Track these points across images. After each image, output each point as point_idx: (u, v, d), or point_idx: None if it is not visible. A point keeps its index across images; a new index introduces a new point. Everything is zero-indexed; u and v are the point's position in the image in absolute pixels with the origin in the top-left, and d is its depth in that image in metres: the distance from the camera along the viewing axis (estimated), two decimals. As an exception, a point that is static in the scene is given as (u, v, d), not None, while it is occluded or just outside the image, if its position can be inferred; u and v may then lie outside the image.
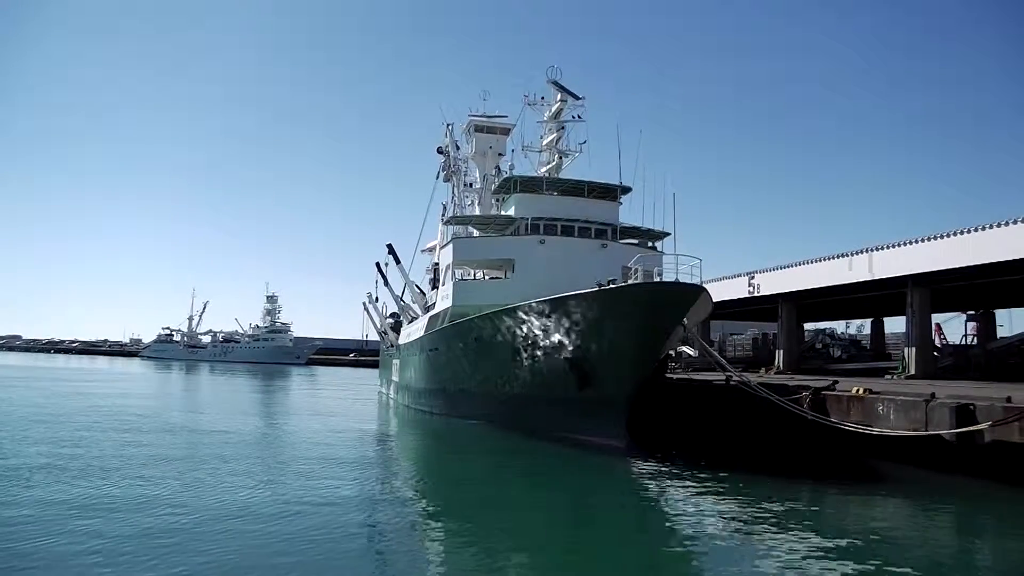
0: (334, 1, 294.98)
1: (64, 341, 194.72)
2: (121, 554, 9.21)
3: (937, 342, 42.91)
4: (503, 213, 31.10)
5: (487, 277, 32.60)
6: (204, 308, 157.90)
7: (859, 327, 62.80)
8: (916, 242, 27.86)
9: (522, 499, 14.95)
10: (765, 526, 12.15)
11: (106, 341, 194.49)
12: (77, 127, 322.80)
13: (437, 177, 47.90)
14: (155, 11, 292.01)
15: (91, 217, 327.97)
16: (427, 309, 36.97)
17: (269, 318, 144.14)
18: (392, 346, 48.76)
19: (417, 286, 45.43)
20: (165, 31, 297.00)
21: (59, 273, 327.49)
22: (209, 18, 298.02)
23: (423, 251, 52.71)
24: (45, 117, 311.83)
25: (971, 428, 14.74)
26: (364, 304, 55.59)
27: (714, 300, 22.28)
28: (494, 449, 22.11)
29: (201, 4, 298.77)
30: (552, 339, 21.58)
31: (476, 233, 33.00)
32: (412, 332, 39.16)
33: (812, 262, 33.92)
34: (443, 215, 45.45)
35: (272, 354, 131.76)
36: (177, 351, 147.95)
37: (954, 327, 48.00)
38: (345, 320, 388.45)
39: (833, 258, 32.40)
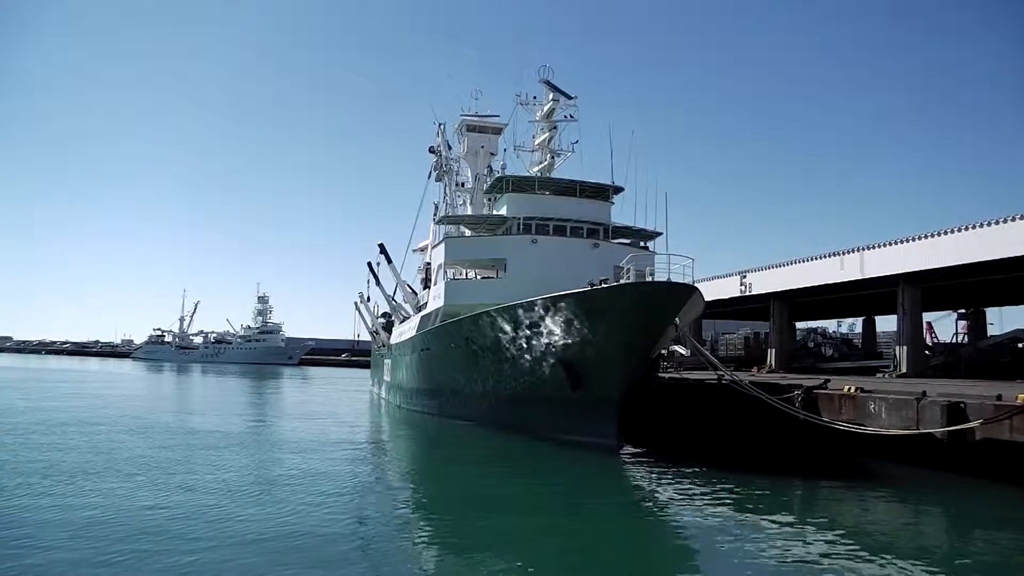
0: (326, 1, 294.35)
1: (55, 342, 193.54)
2: (110, 560, 9.09)
3: (928, 340, 43.22)
4: (495, 213, 31.00)
5: (479, 277, 32.49)
6: (195, 309, 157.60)
7: (850, 326, 63.32)
8: (907, 241, 27.96)
9: (514, 499, 14.85)
10: (757, 524, 12.11)
11: (97, 342, 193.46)
12: (68, 129, 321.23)
13: (429, 177, 47.87)
14: (146, 13, 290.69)
15: (82, 218, 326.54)
16: (419, 309, 36.82)
17: (260, 318, 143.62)
18: (384, 346, 48.57)
19: (409, 286, 45.27)
20: (156, 33, 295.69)
21: (50, 274, 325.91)
22: (199, 19, 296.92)
23: (415, 251, 52.60)
24: (38, 120, 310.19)
25: (962, 426, 14.78)
26: (356, 304, 55.26)
27: (706, 299, 22.25)
28: (486, 449, 22.02)
29: (191, 5, 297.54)
30: (544, 339, 21.50)
31: (468, 233, 32.90)
32: (404, 332, 39.01)
33: (804, 261, 34.01)
34: (435, 215, 45.32)
35: (264, 355, 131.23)
36: (169, 352, 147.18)
37: (945, 325, 48.39)
38: (337, 320, 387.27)
39: (825, 257, 32.50)
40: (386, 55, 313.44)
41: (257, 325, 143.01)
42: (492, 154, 40.63)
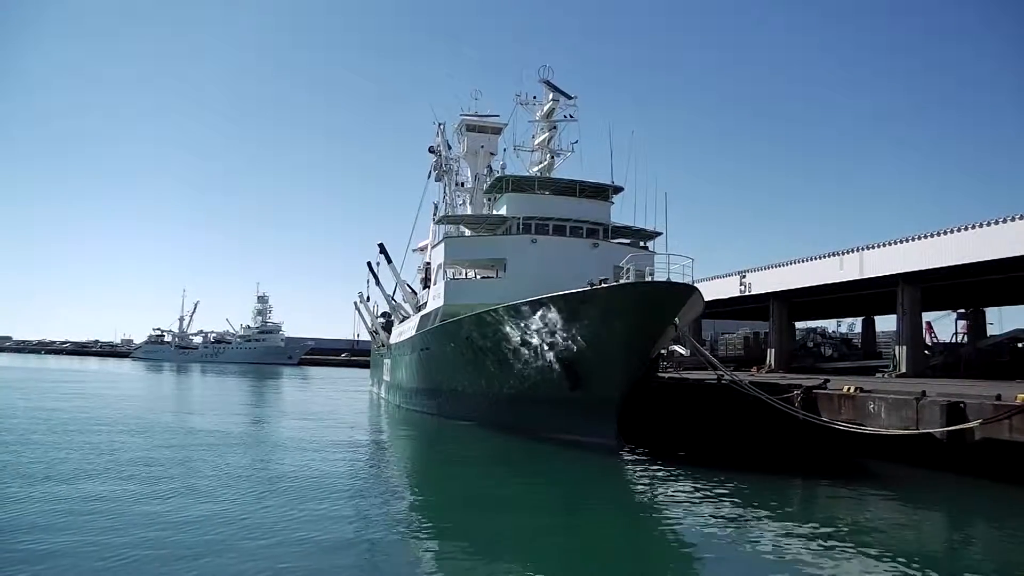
0: (326, 1, 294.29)
1: (55, 342, 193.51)
2: (111, 565, 9.09)
3: (928, 340, 43.20)
4: (495, 212, 31.00)
5: (479, 276, 32.48)
6: (195, 308, 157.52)
7: (850, 326, 63.31)
8: (907, 241, 27.96)
9: (514, 499, 14.85)
10: (757, 524, 12.12)
11: (97, 342, 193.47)
12: (68, 129, 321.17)
13: (428, 176, 47.88)
14: (146, 13, 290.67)
15: (82, 219, 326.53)
16: (418, 308, 36.82)
17: (260, 318, 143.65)
18: (383, 346, 48.57)
19: (408, 285, 45.26)
20: (156, 33, 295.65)
21: (50, 274, 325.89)
22: (199, 19, 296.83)
23: (415, 250, 52.59)
24: (38, 120, 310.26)
25: (961, 426, 14.77)
26: (355, 304, 55.28)
27: (706, 299, 22.24)
28: (486, 449, 22.02)
29: (191, 5, 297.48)
30: (543, 339, 21.50)
31: (468, 232, 32.89)
32: (403, 331, 39.00)
33: (803, 261, 34.01)
34: (434, 214, 45.31)
35: (263, 354, 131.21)
36: (168, 352, 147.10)
37: (944, 325, 48.40)
38: (337, 320, 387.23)
39: (824, 257, 32.49)
40: (386, 55, 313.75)
41: (257, 325, 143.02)
42: (492, 154, 40.63)
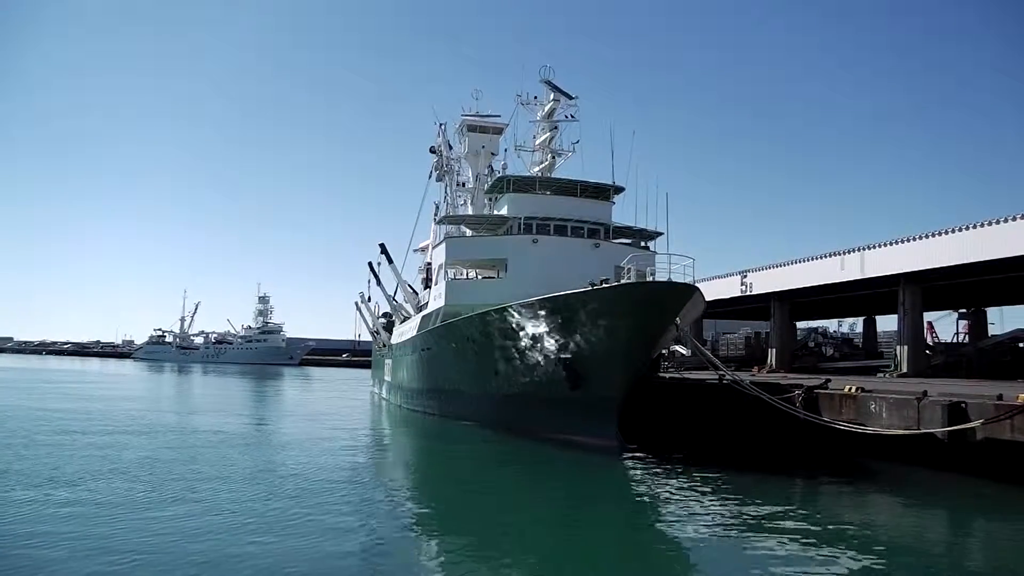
0: (326, 1, 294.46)
1: (56, 343, 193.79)
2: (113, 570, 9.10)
3: (929, 340, 43.17)
4: (496, 212, 31.03)
5: (480, 276, 32.50)
6: (196, 309, 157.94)
7: (851, 325, 63.35)
8: (907, 241, 27.95)
9: (514, 499, 14.88)
10: (757, 524, 12.11)
11: (98, 342, 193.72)
12: (68, 129, 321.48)
13: (430, 177, 47.95)
14: (146, 13, 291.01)
15: (82, 219, 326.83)
16: (420, 309, 36.84)
17: (261, 319, 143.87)
18: (385, 346, 48.58)
19: (410, 285, 45.27)
20: (156, 33, 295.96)
21: (51, 275, 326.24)
22: (199, 19, 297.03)
23: (416, 251, 52.65)
24: (38, 120, 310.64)
25: (963, 426, 14.76)
26: (357, 304, 55.31)
27: (707, 299, 22.25)
28: (486, 449, 22.04)
29: (191, 5, 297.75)
30: (544, 339, 21.50)
31: (469, 232, 32.92)
32: (405, 332, 39.03)
33: (804, 261, 33.99)
34: (436, 215, 45.37)
35: (265, 355, 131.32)
36: (169, 352, 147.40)
37: (946, 325, 48.42)
38: (338, 320, 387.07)
39: (825, 257, 32.48)
40: (386, 55, 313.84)
41: (258, 325, 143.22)
42: (493, 154, 40.67)
